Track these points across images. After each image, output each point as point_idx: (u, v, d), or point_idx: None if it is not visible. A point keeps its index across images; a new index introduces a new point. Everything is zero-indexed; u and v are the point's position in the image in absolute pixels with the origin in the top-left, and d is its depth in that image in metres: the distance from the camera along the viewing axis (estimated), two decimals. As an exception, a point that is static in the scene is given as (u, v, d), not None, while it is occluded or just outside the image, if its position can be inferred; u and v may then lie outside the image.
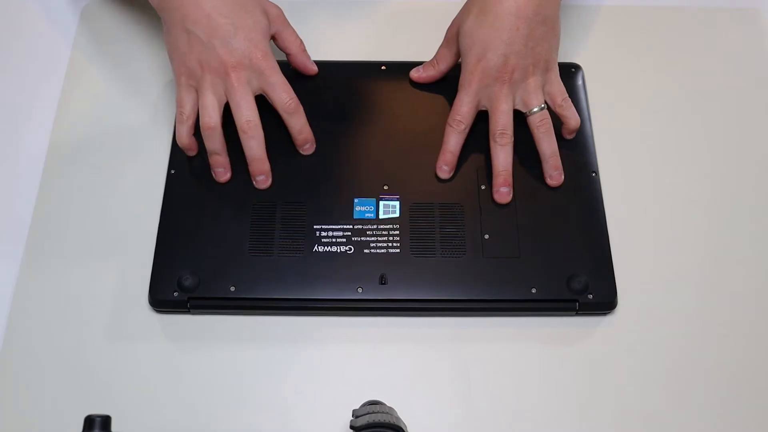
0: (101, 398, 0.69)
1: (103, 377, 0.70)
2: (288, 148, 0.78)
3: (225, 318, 0.72)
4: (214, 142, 0.75)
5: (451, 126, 0.77)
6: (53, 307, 0.73)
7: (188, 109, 0.75)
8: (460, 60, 0.79)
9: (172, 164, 0.78)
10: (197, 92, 0.75)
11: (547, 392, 0.70)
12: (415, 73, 0.82)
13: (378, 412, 0.62)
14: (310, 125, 0.78)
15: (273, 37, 0.79)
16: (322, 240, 0.73)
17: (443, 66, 0.81)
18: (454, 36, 0.79)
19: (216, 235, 0.74)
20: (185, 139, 0.76)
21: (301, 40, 0.81)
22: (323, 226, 0.74)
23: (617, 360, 0.71)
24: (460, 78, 0.77)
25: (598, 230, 0.74)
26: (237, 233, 0.74)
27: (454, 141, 0.77)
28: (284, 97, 0.75)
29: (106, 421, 0.57)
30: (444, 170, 0.77)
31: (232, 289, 0.71)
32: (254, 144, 0.74)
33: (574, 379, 0.70)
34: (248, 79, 0.74)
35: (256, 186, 0.76)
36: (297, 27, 0.87)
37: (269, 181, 0.76)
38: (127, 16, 0.88)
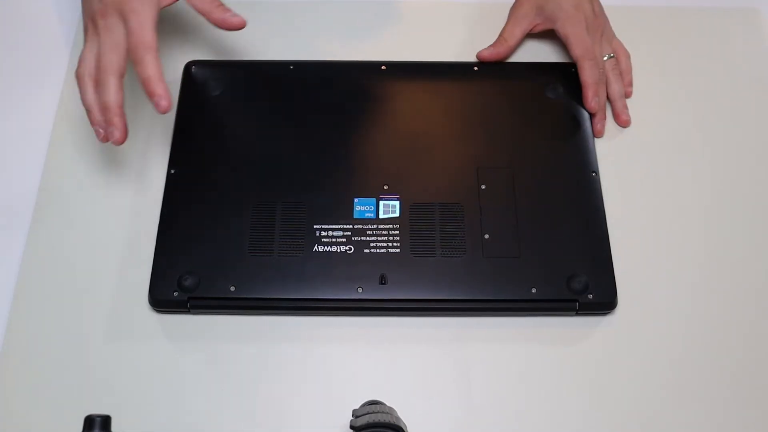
0: (101, 398, 0.69)
1: (103, 377, 0.70)
2: (288, 148, 0.78)
3: (225, 318, 0.72)
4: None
5: (588, 60, 0.80)
6: (53, 307, 0.73)
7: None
8: (533, 30, 0.84)
9: (172, 164, 0.78)
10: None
11: (547, 392, 0.70)
12: (485, 52, 0.84)
13: (378, 412, 0.62)
14: (311, 125, 0.78)
15: None
16: (322, 240, 0.73)
17: (512, 42, 0.84)
18: (531, 9, 0.84)
19: (216, 235, 0.74)
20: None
21: None
22: (323, 226, 0.74)
23: (617, 360, 0.71)
24: (563, 25, 0.82)
25: (598, 230, 0.74)
26: (237, 233, 0.74)
27: (596, 72, 0.81)
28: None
29: (106, 421, 0.58)
30: (596, 101, 0.80)
31: (232, 289, 0.71)
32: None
33: (574, 379, 0.70)
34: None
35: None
36: (297, 28, 0.87)
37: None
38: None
